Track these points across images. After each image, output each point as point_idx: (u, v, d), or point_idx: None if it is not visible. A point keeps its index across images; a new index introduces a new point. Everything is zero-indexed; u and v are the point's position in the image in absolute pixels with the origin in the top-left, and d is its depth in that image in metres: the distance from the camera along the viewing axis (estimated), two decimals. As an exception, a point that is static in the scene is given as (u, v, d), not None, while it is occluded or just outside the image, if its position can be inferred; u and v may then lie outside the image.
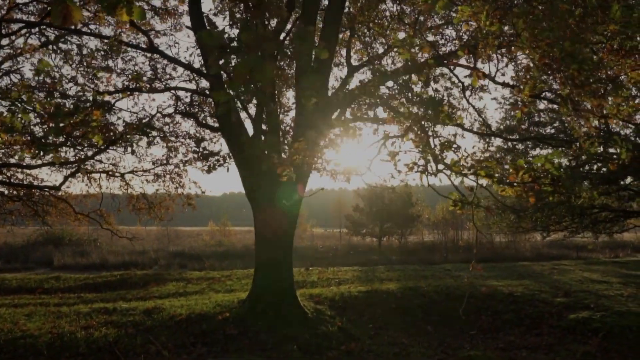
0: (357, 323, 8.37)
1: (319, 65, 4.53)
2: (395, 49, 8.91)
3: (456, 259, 22.96)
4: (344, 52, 10.73)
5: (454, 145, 5.12)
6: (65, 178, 14.53)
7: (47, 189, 14.84)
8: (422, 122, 4.85)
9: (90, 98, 6.71)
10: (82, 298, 10.27)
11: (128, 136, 8.79)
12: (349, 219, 30.27)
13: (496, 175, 5.57)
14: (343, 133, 4.38)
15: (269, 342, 7.07)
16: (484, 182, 5.81)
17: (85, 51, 10.60)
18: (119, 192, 16.20)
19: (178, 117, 13.83)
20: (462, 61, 9.29)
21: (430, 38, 10.12)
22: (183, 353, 6.73)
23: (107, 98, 9.40)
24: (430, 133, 4.86)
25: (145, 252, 24.38)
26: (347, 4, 10.79)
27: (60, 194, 16.09)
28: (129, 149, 11.08)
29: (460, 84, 10.08)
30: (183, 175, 15.27)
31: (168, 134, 14.34)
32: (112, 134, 8.59)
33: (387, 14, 10.03)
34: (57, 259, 21.51)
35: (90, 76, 8.40)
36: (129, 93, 11.16)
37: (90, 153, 13.95)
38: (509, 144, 20.64)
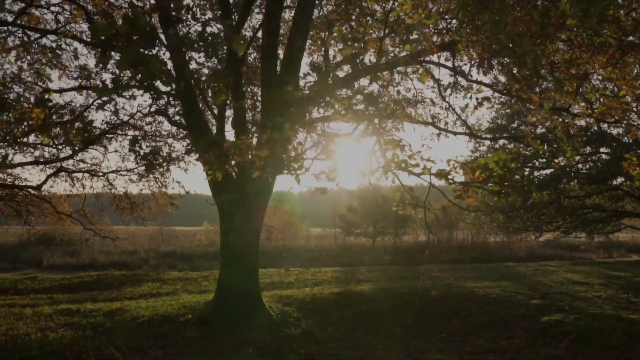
0: (324, 325, 8.21)
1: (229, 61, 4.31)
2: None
3: (449, 259, 22.77)
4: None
5: (401, 143, 4.97)
6: (47, 177, 14.47)
7: (28, 189, 14.78)
8: (374, 120, 4.70)
9: (32, 96, 6.60)
10: (53, 299, 10.17)
11: (69, 135, 8.67)
12: (343, 219, 30.12)
13: (449, 175, 5.41)
14: (276, 131, 4.23)
15: (227, 345, 6.94)
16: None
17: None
18: (103, 191, 16.15)
19: (161, 117, 13.78)
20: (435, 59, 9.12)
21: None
22: (137, 355, 6.61)
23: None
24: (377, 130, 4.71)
25: (136, 252, 24.33)
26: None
27: (44, 193, 16.05)
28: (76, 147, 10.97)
29: (437, 82, 9.93)
30: (166, 175, 15.19)
31: (150, 134, 14.29)
32: (53, 132, 8.44)
33: (360, 11, 9.87)
34: (47, 258, 21.48)
35: (36, 74, 8.28)
36: (105, 93, 11.02)
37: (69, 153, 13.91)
38: (499, 143, 20.48)
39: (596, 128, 17.97)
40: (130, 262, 22.18)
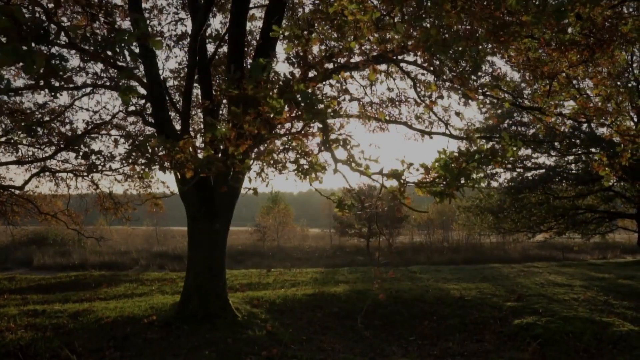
0: (291, 327, 8.10)
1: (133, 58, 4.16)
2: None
3: (442, 260, 22.58)
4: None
5: (347, 142, 4.86)
6: (30, 177, 14.44)
7: (11, 189, 14.76)
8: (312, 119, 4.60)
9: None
10: (26, 299, 10.12)
11: (10, 135, 8.59)
12: (337, 219, 29.93)
13: (403, 176, 5.30)
14: (210, 130, 4.14)
15: (186, 347, 6.84)
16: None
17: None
18: (88, 192, 16.12)
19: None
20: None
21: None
22: (94, 357, 6.52)
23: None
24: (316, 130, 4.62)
25: (128, 253, 24.33)
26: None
27: (29, 193, 16.03)
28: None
29: (414, 82, 9.80)
30: (150, 174, 15.08)
31: (134, 133, 14.22)
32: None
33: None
34: (37, 259, 21.51)
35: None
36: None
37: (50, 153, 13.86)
38: (489, 144, 20.30)
39: (587, 128, 17.81)
40: (121, 262, 22.16)
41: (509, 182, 18.87)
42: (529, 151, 19.08)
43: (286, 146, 4.28)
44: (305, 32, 4.88)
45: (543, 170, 18.51)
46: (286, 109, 4.92)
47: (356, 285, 10.69)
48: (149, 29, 10.01)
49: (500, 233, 20.98)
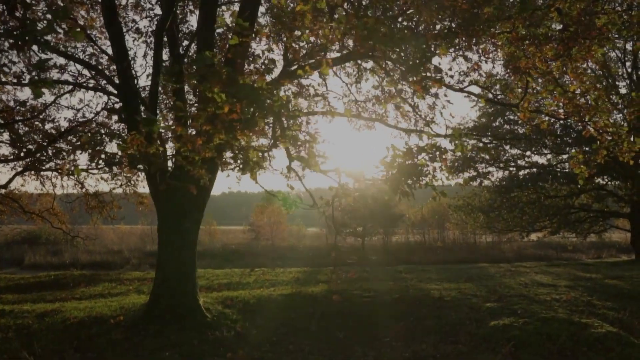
0: (263, 328, 7.96)
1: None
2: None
3: (436, 260, 22.36)
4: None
5: (298, 140, 4.70)
6: (14, 175, 14.36)
7: (-5, 188, 14.68)
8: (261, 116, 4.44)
9: None
10: (0, 299, 10.01)
11: None
12: (332, 219, 29.73)
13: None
14: (146, 125, 3.99)
15: (149, 348, 6.71)
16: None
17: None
18: (74, 191, 16.03)
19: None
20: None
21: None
22: (52, 359, 6.40)
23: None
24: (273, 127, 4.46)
25: (120, 252, 24.28)
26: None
27: (14, 192, 15.95)
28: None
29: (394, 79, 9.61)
30: (137, 173, 14.99)
31: (118, 132, 14.10)
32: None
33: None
34: (28, 257, 21.49)
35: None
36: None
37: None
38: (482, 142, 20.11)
39: (580, 126, 17.57)
40: (112, 261, 22.12)
41: (501, 181, 18.68)
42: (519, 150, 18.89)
43: (228, 140, 4.12)
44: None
45: (535, 169, 18.31)
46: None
47: (338, 285, 10.52)
48: (123, 26, 9.87)
49: (493, 232, 20.77)
